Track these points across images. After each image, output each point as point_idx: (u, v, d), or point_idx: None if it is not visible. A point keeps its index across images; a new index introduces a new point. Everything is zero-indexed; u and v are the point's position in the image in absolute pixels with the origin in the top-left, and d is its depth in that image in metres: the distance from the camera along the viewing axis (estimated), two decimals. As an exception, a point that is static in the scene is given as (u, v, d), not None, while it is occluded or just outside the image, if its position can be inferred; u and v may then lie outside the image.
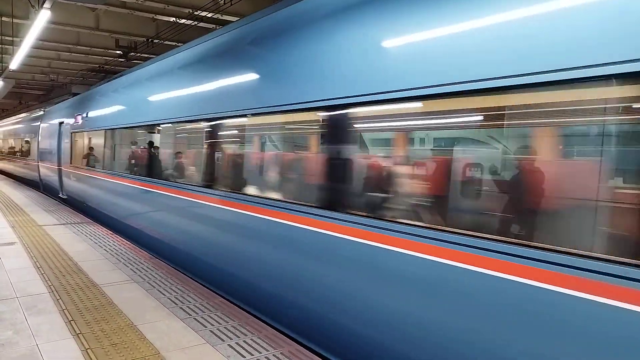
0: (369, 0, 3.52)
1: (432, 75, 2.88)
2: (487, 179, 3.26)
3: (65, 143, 12.97)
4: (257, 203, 4.48)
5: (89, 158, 10.92)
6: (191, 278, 5.62)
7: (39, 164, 16.60)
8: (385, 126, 4.00)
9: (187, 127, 6.63)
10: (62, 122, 13.49)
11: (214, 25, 12.86)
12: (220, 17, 11.89)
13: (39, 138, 16.89)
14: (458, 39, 2.76)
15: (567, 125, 2.96)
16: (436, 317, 2.88)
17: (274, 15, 4.89)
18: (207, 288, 5.23)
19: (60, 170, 13.52)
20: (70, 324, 4.07)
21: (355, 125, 3.70)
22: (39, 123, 17.30)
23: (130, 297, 4.79)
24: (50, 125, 15.27)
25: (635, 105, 2.30)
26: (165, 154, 7.41)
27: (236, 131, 5.58)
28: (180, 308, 4.51)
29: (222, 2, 10.86)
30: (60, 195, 13.55)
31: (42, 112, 17.95)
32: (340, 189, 3.64)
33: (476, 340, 2.66)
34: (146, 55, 16.21)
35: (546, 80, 2.33)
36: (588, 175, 2.50)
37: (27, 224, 9.04)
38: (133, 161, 8.48)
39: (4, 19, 12.18)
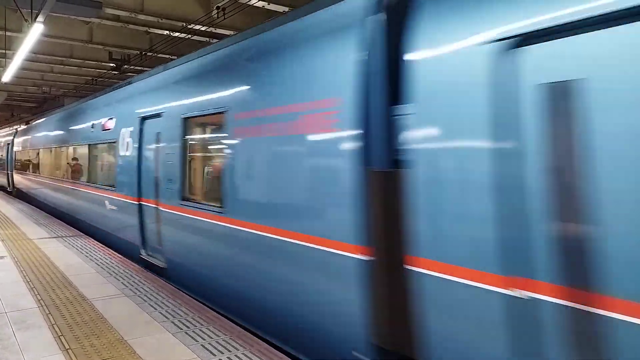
0: None
1: None
2: None
3: None
4: None
5: None
6: (183, 292, 5.57)
7: None
8: None
9: None
10: None
11: (207, 39, 12.95)
12: (214, 31, 11.97)
13: None
14: None
15: None
16: None
17: None
18: (199, 302, 5.19)
19: None
20: (60, 339, 4.02)
21: None
22: None
23: (121, 311, 4.74)
24: None
25: None
26: None
27: None
28: (172, 322, 4.48)
29: (216, 15, 10.95)
30: None
31: None
32: None
33: None
34: (139, 68, 16.26)
35: None
36: None
37: (18, 237, 8.95)
38: None
39: (-4, 32, 12.19)
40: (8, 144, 21.26)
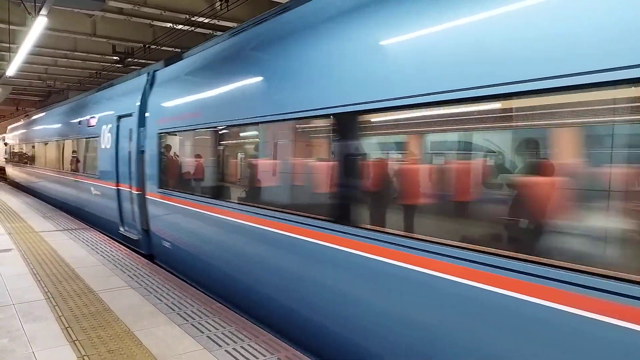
0: None
1: None
2: None
3: None
4: None
5: None
6: (188, 283, 5.60)
7: None
8: None
9: None
10: None
11: (210, 31, 12.91)
12: (217, 23, 11.92)
13: None
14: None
15: None
16: None
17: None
18: (205, 294, 5.22)
19: None
20: (67, 330, 4.05)
21: None
22: None
23: (127, 303, 4.78)
24: None
25: None
26: None
27: None
28: (178, 314, 4.50)
29: (219, 7, 10.90)
30: None
31: None
32: None
33: None
34: (143, 61, 16.25)
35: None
36: None
37: (24, 230, 9.01)
38: None
39: (0, 25, 12.19)
40: (131, 113, 7.89)
